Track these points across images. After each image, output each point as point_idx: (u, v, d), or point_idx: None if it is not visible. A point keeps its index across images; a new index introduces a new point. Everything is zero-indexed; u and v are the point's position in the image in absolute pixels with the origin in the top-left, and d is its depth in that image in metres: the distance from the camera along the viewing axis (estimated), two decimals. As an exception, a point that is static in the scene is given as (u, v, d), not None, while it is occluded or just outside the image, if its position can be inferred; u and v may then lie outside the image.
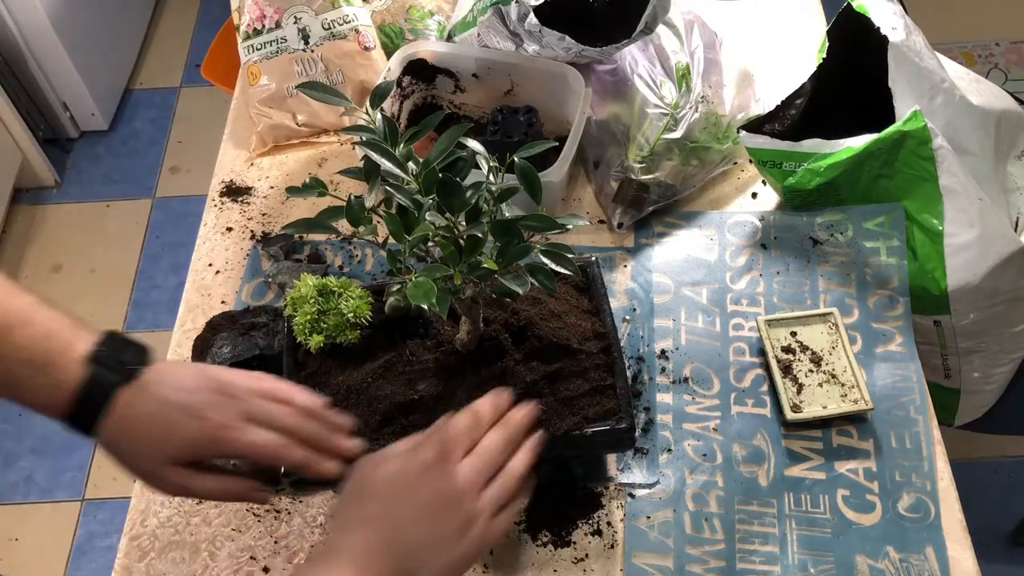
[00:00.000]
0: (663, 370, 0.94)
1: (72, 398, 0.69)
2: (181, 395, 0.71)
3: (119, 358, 0.71)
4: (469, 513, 0.69)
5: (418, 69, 1.14)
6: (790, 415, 0.88)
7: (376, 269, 1.04)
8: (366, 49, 1.17)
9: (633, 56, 1.09)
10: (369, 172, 0.73)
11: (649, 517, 0.85)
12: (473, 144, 0.77)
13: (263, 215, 1.11)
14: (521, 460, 0.74)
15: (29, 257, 2.25)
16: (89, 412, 0.69)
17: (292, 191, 0.75)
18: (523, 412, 0.75)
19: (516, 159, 0.74)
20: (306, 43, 1.16)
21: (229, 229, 1.10)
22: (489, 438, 0.73)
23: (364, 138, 0.73)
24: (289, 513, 0.87)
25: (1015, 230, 1.05)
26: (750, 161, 1.07)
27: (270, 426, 0.72)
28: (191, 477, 0.71)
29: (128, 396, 0.70)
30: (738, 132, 1.03)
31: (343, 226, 0.73)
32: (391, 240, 0.73)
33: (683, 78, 1.06)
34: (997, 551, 1.69)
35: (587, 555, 0.83)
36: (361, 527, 0.67)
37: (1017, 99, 1.15)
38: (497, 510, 0.72)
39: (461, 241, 0.71)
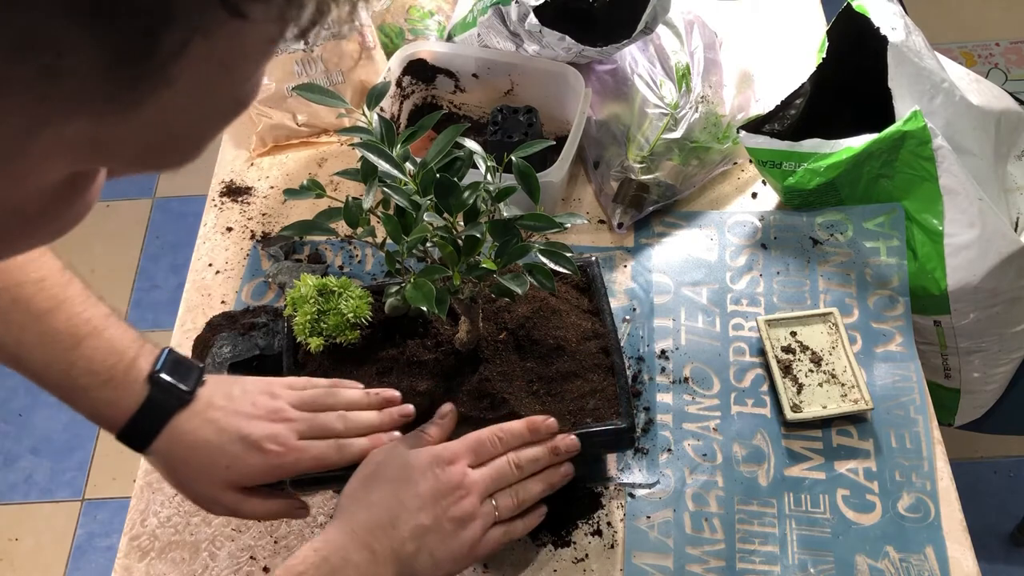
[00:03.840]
0: (663, 370, 0.94)
1: (129, 417, 0.71)
2: (239, 424, 0.73)
3: (175, 381, 0.72)
4: (470, 510, 0.72)
5: (418, 69, 1.14)
6: (790, 415, 0.88)
7: (376, 269, 1.04)
8: (366, 49, 1.17)
9: (633, 56, 1.09)
10: (366, 173, 0.72)
11: (649, 517, 0.85)
12: (470, 144, 0.77)
13: (263, 215, 1.11)
14: (537, 485, 0.76)
15: (29, 257, 2.25)
16: (143, 433, 0.71)
17: (290, 193, 0.75)
18: (558, 442, 0.77)
19: (514, 158, 0.74)
20: (306, 43, 1.16)
21: (229, 229, 1.10)
22: (511, 455, 0.76)
23: (361, 139, 0.73)
24: (289, 513, 0.87)
25: (1015, 230, 1.05)
26: (750, 161, 1.07)
27: (325, 434, 0.75)
28: (242, 501, 0.74)
29: (184, 422, 0.72)
30: (738, 132, 1.03)
31: (342, 227, 0.73)
32: (389, 241, 0.73)
33: (683, 78, 1.06)
34: (997, 551, 1.69)
35: (587, 555, 0.83)
36: (367, 507, 0.70)
37: (1017, 99, 1.14)
38: (498, 521, 0.73)
39: (459, 241, 0.71)
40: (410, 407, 0.79)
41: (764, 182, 1.09)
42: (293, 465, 0.74)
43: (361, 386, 0.80)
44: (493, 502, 0.74)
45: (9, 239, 0.34)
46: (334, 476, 0.80)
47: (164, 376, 0.72)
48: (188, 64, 0.28)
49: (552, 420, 0.78)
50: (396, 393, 0.80)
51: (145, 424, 0.71)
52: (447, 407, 0.79)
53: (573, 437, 0.78)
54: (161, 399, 0.71)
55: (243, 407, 0.74)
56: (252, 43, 0.30)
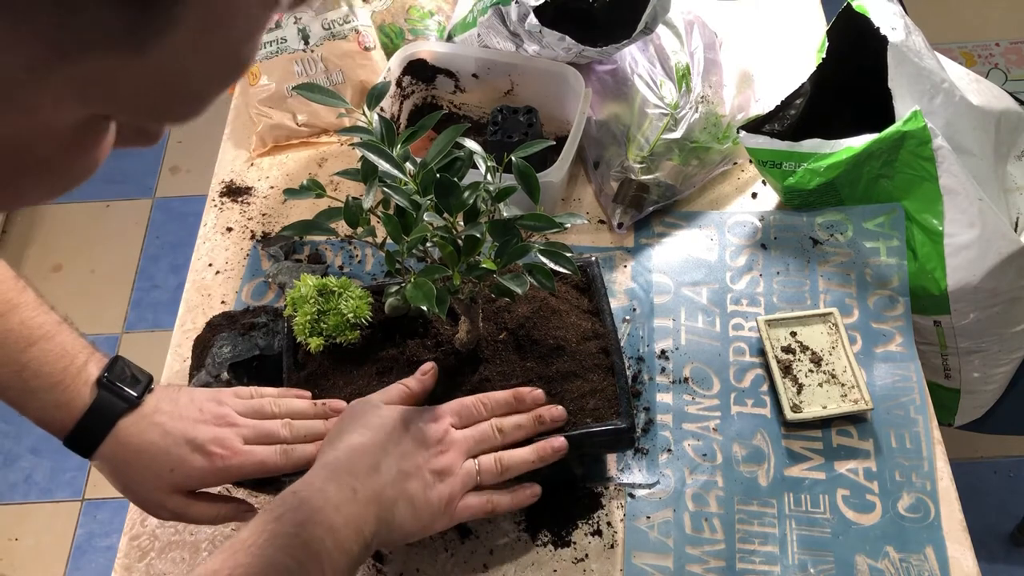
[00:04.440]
0: (663, 370, 0.94)
1: (75, 421, 0.71)
2: (185, 427, 0.74)
3: (123, 386, 0.73)
4: (450, 463, 0.74)
5: (418, 69, 1.14)
6: (790, 415, 0.88)
7: (376, 269, 1.04)
8: (366, 49, 1.17)
9: (633, 56, 1.09)
10: (367, 173, 0.72)
11: (649, 517, 0.85)
12: (470, 144, 0.77)
13: (263, 215, 1.11)
14: (521, 454, 0.76)
15: (29, 257, 2.25)
16: (91, 436, 0.72)
17: (290, 193, 0.75)
18: (543, 411, 0.78)
19: (514, 158, 0.74)
20: (306, 43, 1.16)
21: (229, 229, 1.10)
22: (494, 420, 0.77)
23: (361, 139, 0.73)
24: (289, 513, 0.87)
25: (1015, 230, 1.05)
26: (750, 161, 1.07)
27: (270, 440, 0.76)
28: (189, 504, 0.75)
29: (130, 425, 0.73)
30: (738, 132, 1.03)
31: (342, 227, 0.73)
32: (389, 241, 0.73)
33: (683, 78, 1.06)
34: (997, 551, 1.69)
35: (587, 555, 0.83)
36: (348, 451, 0.71)
37: (1017, 99, 1.14)
38: (480, 486, 0.74)
39: (459, 241, 0.71)
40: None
41: (764, 182, 1.09)
42: (238, 469, 0.74)
43: (309, 395, 0.82)
44: (476, 464, 0.75)
45: (17, 183, 0.34)
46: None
47: (112, 381, 0.73)
48: (191, 9, 0.30)
49: (539, 391, 0.79)
50: (344, 404, 0.80)
51: (92, 427, 0.72)
52: (428, 365, 0.80)
53: (560, 408, 0.79)
54: (108, 403, 0.72)
55: (189, 412, 0.75)
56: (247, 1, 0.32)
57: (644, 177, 1.03)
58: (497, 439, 0.76)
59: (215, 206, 1.12)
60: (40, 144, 0.33)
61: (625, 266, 1.03)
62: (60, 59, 0.29)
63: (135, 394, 0.73)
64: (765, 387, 0.93)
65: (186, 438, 0.73)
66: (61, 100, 0.31)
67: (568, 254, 0.74)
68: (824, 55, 1.05)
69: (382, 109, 1.07)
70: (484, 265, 0.71)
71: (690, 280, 1.01)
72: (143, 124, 0.36)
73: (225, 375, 0.89)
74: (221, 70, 0.34)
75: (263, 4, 0.33)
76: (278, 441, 0.76)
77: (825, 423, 0.90)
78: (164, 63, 0.31)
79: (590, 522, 0.85)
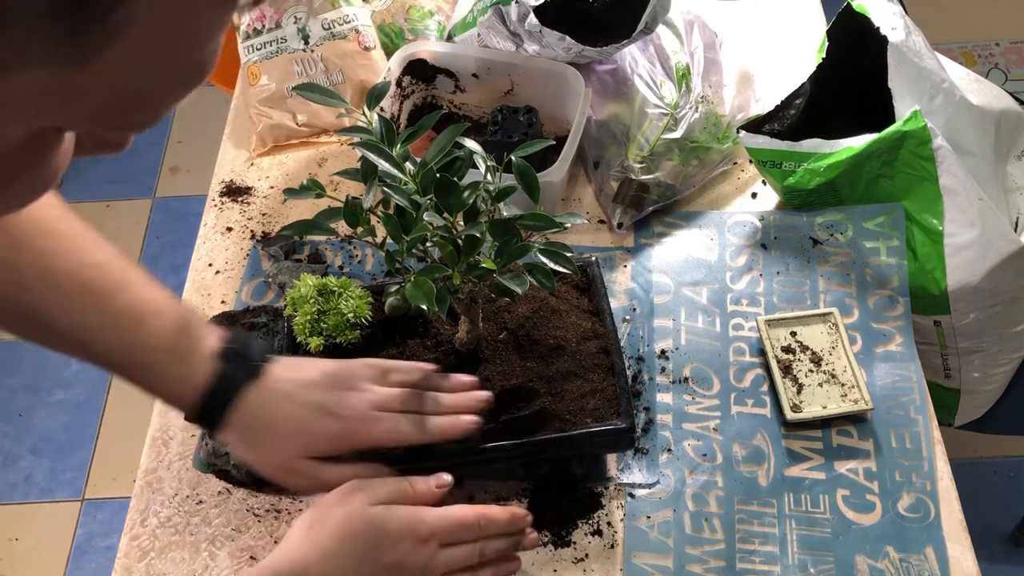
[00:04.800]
0: (663, 370, 0.94)
1: (200, 393, 0.71)
2: (312, 393, 0.73)
3: (245, 356, 0.72)
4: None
5: (418, 69, 1.14)
6: (790, 415, 0.88)
7: (376, 269, 1.04)
8: (366, 49, 1.17)
9: (633, 56, 1.09)
10: (366, 173, 0.73)
11: (649, 517, 0.85)
12: (470, 144, 0.77)
13: (263, 215, 1.11)
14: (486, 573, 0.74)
15: (29, 257, 2.25)
16: (216, 408, 0.71)
17: (290, 193, 0.75)
18: (524, 537, 0.75)
19: (514, 158, 0.74)
20: (306, 43, 1.16)
21: (229, 229, 1.10)
22: (481, 543, 0.73)
23: (361, 139, 0.73)
24: (289, 513, 0.87)
25: (1015, 230, 1.05)
26: (750, 161, 1.07)
27: (400, 408, 0.74)
28: (322, 468, 0.73)
29: (255, 394, 0.72)
30: (738, 132, 1.03)
31: (342, 227, 0.73)
32: (389, 240, 0.73)
33: (683, 78, 1.06)
34: (997, 551, 1.69)
35: (587, 555, 0.83)
36: (324, 554, 0.67)
37: (1017, 99, 1.14)
38: None
39: (459, 241, 0.71)
40: (487, 393, 0.78)
41: (764, 182, 1.09)
42: (367, 434, 0.73)
43: (435, 367, 0.79)
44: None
45: None
46: None
47: (232, 349, 0.72)
48: (135, 13, 0.28)
49: (529, 517, 0.76)
50: (473, 378, 0.79)
51: (217, 398, 0.71)
52: (447, 479, 0.74)
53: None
54: (232, 373, 0.71)
55: (314, 377, 0.74)
56: (199, 2, 0.31)
57: (644, 177, 1.03)
58: (475, 561, 0.72)
59: (215, 206, 1.12)
60: None
61: (625, 266, 1.03)
62: (1, 71, 0.28)
63: (256, 362, 0.73)
64: (765, 387, 0.93)
65: (315, 403, 0.72)
66: (5, 114, 0.30)
67: (568, 254, 0.74)
68: (824, 55, 1.05)
69: (382, 109, 1.07)
70: (484, 265, 0.71)
71: (690, 280, 1.01)
72: (100, 134, 0.35)
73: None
74: (177, 76, 0.33)
75: (216, 6, 0.31)
76: (409, 410, 0.74)
77: (825, 423, 0.90)
78: (111, 73, 0.30)
79: (590, 522, 0.85)
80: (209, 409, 0.71)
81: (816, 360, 0.93)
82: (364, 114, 0.76)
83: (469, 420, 0.75)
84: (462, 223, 0.72)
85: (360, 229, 0.73)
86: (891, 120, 0.99)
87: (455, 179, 0.72)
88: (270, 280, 1.03)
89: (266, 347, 0.74)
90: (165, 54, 0.31)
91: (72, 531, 1.84)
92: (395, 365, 0.78)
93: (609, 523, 0.85)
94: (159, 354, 0.70)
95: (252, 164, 1.17)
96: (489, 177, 0.75)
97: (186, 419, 0.73)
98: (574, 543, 0.84)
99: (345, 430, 0.72)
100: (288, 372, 0.74)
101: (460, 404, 0.77)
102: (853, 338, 0.95)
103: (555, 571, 0.82)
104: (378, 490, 0.71)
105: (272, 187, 1.14)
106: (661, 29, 1.08)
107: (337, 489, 0.71)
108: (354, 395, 0.74)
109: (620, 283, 1.01)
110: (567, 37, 1.02)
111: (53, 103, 0.30)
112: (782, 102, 1.06)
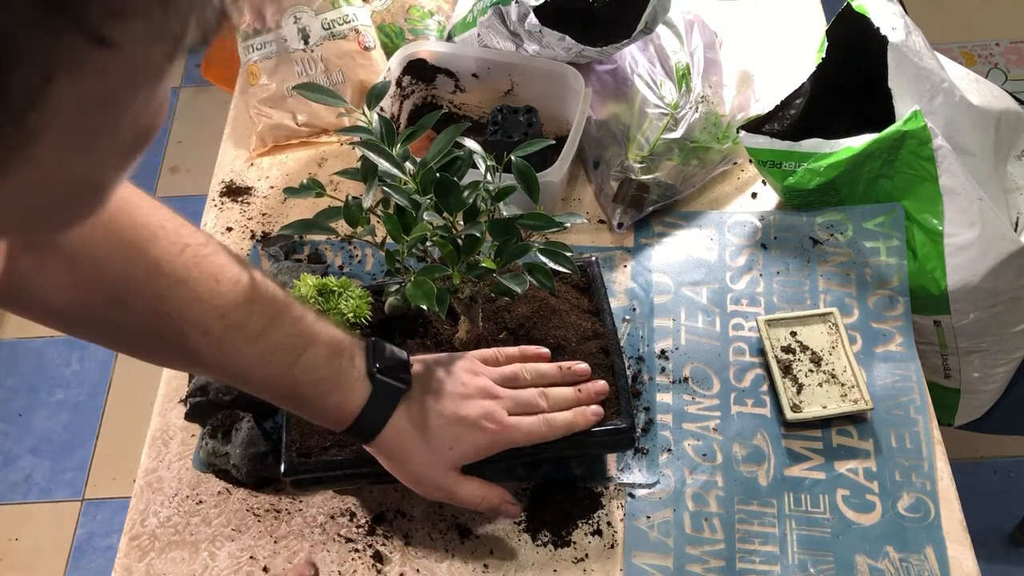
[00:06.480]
0: (663, 370, 0.94)
1: (354, 416, 0.73)
2: (456, 406, 0.76)
3: (392, 371, 0.74)
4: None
5: (418, 69, 1.14)
6: (790, 415, 0.88)
7: (376, 269, 1.04)
8: (366, 49, 1.17)
9: (633, 56, 1.09)
10: (366, 172, 0.73)
11: (649, 517, 0.85)
12: (470, 144, 0.77)
13: (263, 215, 1.11)
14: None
15: (29, 257, 2.25)
16: (372, 427, 0.73)
17: (290, 192, 0.75)
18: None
19: (514, 158, 0.74)
20: (306, 43, 1.16)
21: (229, 229, 1.10)
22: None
23: (361, 139, 0.73)
24: (289, 513, 0.87)
25: (1015, 230, 1.05)
26: (750, 161, 1.07)
27: (530, 411, 0.78)
28: (461, 483, 0.77)
29: (404, 409, 0.74)
30: (738, 132, 1.03)
31: (342, 227, 0.73)
32: (389, 240, 0.73)
33: (683, 78, 1.06)
34: (997, 551, 1.69)
35: (587, 555, 0.83)
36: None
37: (1017, 99, 1.14)
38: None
39: (459, 241, 0.71)
40: (603, 383, 0.82)
41: (764, 182, 1.09)
42: (506, 441, 0.76)
43: (548, 354, 0.83)
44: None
45: None
46: (334, 476, 0.80)
47: (383, 373, 0.74)
48: (56, 109, 0.24)
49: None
50: (586, 366, 0.82)
51: (372, 419, 0.73)
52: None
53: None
54: (384, 394, 0.73)
55: (455, 388, 0.76)
56: (136, 69, 0.26)
57: (644, 177, 1.03)
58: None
59: (215, 206, 1.12)
60: None
61: (625, 266, 1.03)
62: None
63: (405, 382, 0.75)
64: (765, 387, 0.93)
65: (458, 416, 0.75)
66: None
67: (568, 254, 0.74)
68: (824, 55, 1.05)
69: (382, 109, 1.07)
70: (484, 264, 0.71)
71: (690, 280, 1.01)
72: (35, 236, 0.32)
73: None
74: (118, 153, 0.29)
75: (159, 60, 0.27)
76: (538, 411, 0.78)
77: (825, 423, 0.90)
78: (36, 176, 0.26)
79: (590, 522, 0.85)
80: (364, 429, 0.74)
81: (816, 360, 0.93)
82: (364, 114, 0.76)
83: (594, 411, 0.79)
84: (462, 223, 0.72)
85: (360, 229, 0.73)
86: (891, 120, 0.99)
87: (455, 179, 0.72)
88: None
89: (406, 359, 0.76)
90: (102, 139, 0.27)
91: (72, 531, 1.84)
92: (506, 353, 0.82)
93: (609, 523, 0.85)
94: (318, 387, 0.71)
95: (252, 164, 1.17)
96: (489, 177, 0.75)
97: (345, 435, 0.75)
98: (574, 543, 0.84)
99: (488, 441, 0.76)
100: (431, 383, 0.76)
101: (580, 398, 0.80)
102: (853, 338, 0.95)
103: (555, 571, 0.82)
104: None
105: (272, 187, 1.14)
106: (661, 29, 1.08)
107: None
108: (492, 404, 0.76)
109: (620, 283, 1.01)
110: (567, 37, 1.02)
111: None
112: (782, 102, 1.06)
